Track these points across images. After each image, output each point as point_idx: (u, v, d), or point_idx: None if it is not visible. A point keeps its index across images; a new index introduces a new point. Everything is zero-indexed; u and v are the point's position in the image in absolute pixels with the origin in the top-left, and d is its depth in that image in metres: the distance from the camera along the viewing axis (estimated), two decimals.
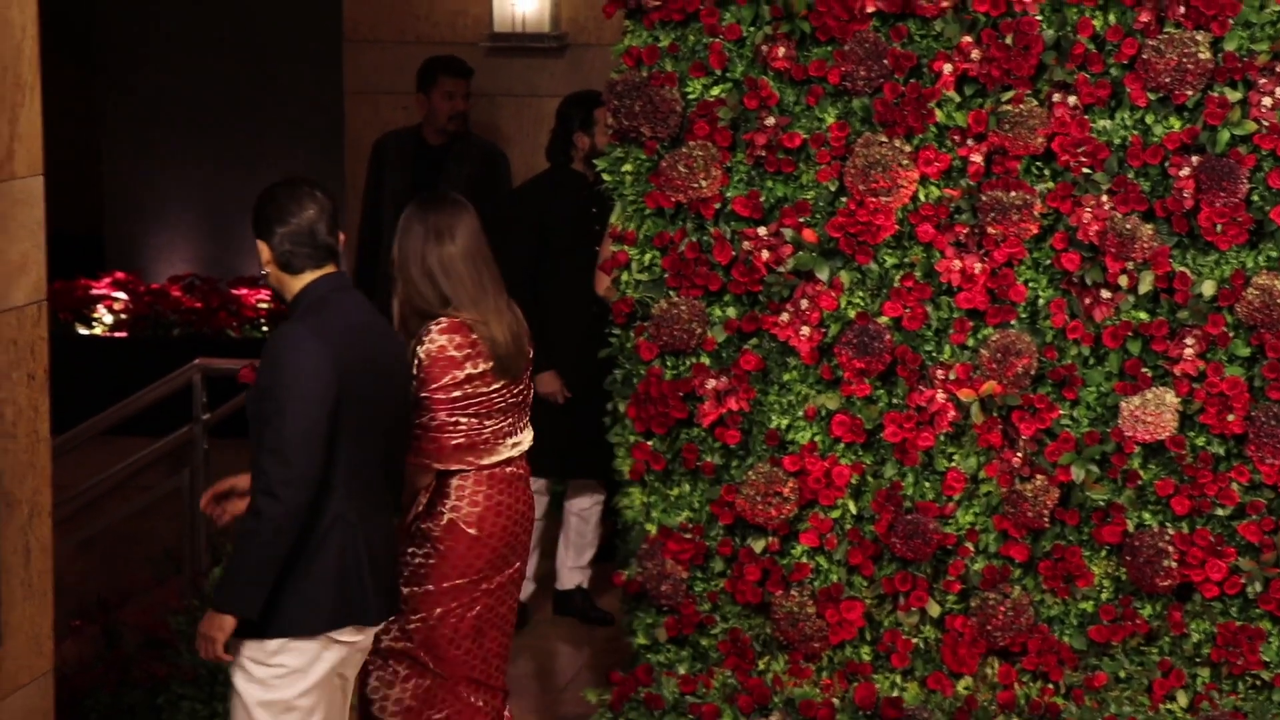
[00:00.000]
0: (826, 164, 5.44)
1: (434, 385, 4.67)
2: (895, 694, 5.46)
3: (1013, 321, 5.40)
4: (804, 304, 5.44)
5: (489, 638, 4.82)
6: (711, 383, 5.51)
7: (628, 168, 5.58)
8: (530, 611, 6.90)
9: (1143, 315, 5.36)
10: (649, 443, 5.59)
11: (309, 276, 4.32)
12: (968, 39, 5.34)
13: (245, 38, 10.48)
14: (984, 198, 5.34)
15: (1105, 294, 5.35)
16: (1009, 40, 5.32)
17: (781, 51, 5.43)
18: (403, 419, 4.53)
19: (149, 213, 10.45)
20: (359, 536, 4.29)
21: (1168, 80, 5.26)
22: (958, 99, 5.38)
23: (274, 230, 4.27)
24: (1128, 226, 5.29)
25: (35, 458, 3.98)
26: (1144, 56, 5.27)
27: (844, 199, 5.43)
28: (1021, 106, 5.32)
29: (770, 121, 5.45)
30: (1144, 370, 5.35)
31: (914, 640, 5.50)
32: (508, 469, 4.83)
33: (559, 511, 7.06)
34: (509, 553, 4.84)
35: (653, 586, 5.57)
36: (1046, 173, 5.39)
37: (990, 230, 5.35)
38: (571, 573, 6.96)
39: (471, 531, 4.76)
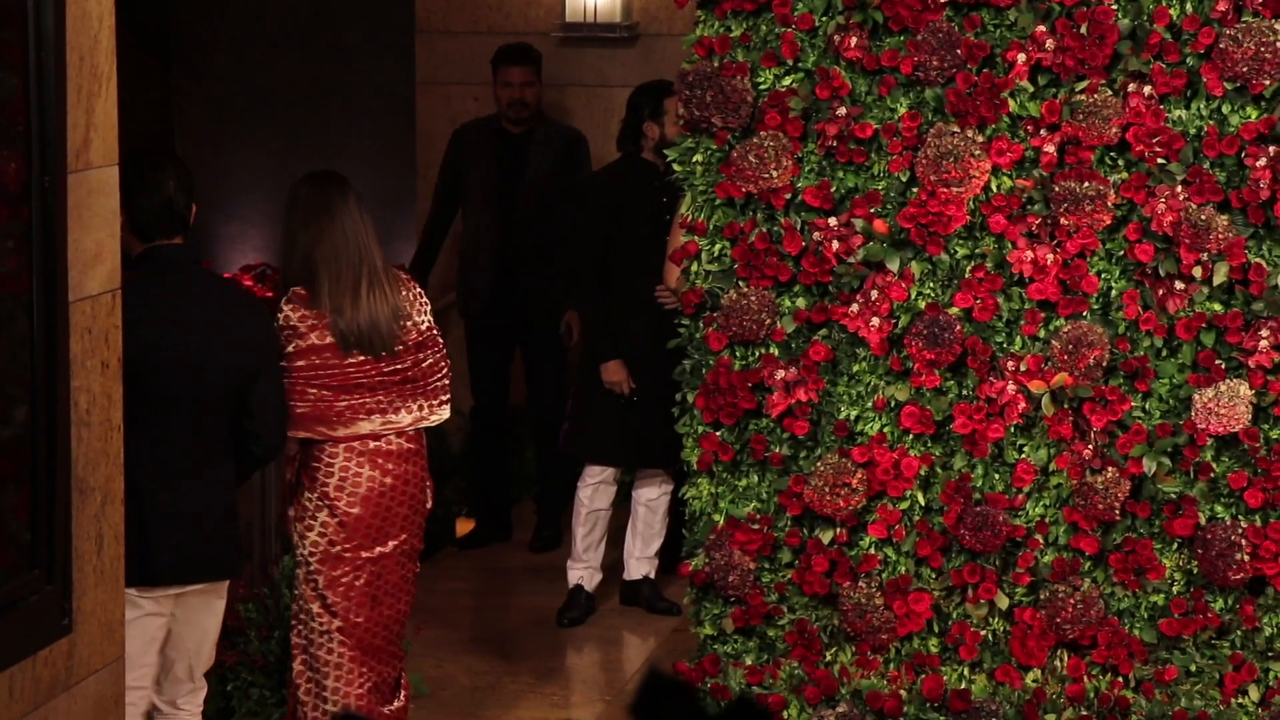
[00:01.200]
0: (898, 154, 5.40)
1: (282, 354, 4.93)
2: (963, 686, 5.42)
3: (1085, 313, 5.35)
4: (874, 295, 5.40)
5: (385, 605, 5.05)
6: (780, 373, 5.48)
7: (698, 158, 5.56)
8: (595, 601, 6.89)
9: (1217, 307, 5.30)
10: (717, 433, 5.57)
11: (158, 242, 4.71)
12: (1042, 28, 5.28)
13: (317, 28, 10.51)
14: (1057, 188, 5.29)
15: (1179, 285, 5.29)
16: (1084, 29, 5.26)
17: (854, 41, 5.39)
18: (234, 389, 4.75)
19: (221, 202, 10.50)
20: (146, 503, 4.56)
21: (1245, 70, 5.19)
22: (1031, 89, 5.33)
23: (135, 199, 4.62)
24: (1203, 217, 5.23)
25: (108, 445, 3.99)
26: (1221, 46, 5.20)
27: (915, 189, 5.39)
28: (1096, 96, 5.26)
29: (842, 111, 5.42)
30: (1218, 362, 5.29)
31: (982, 632, 5.45)
32: (375, 444, 5.01)
33: (627, 501, 7.04)
34: (383, 524, 5.03)
35: (720, 577, 5.55)
36: (1120, 163, 5.33)
37: (1063, 221, 5.29)
38: (639, 563, 6.94)
39: (339, 503, 4.99)
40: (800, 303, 5.50)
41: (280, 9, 10.52)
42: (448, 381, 5.18)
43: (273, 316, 4.94)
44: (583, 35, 8.52)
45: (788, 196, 5.48)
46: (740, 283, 5.52)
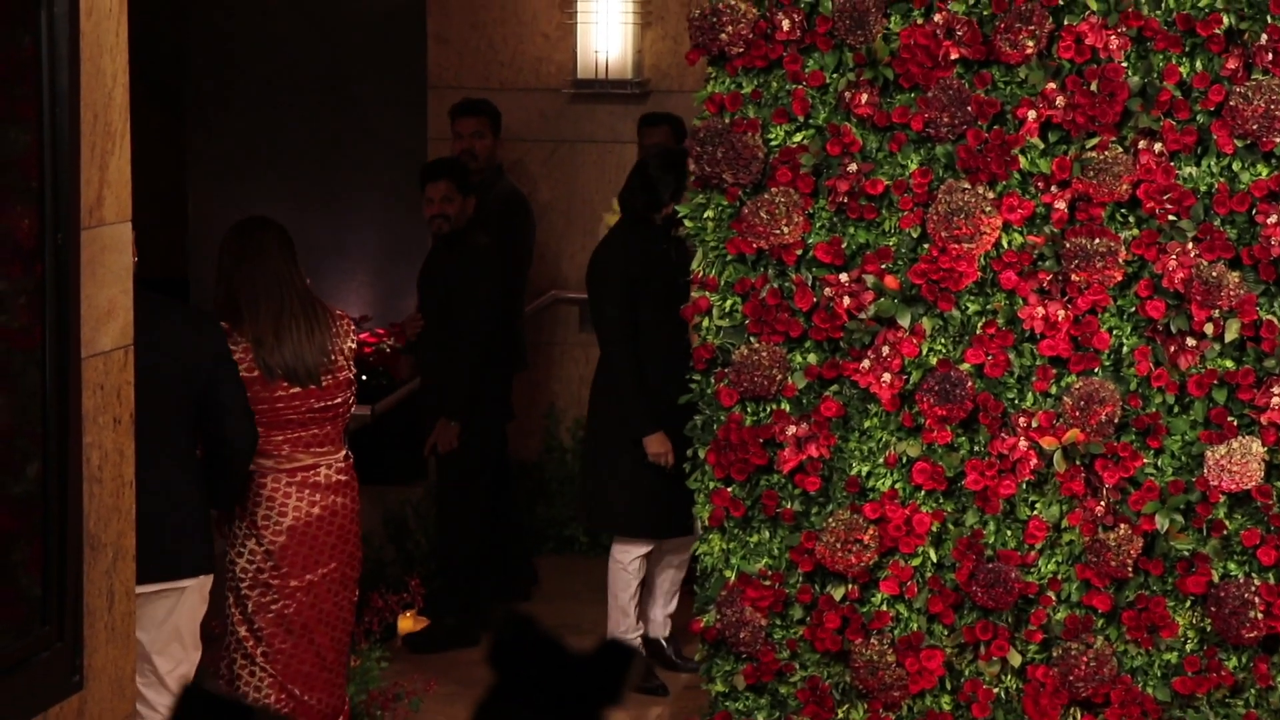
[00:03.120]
0: (909, 210, 5.39)
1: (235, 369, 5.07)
2: None
3: (1096, 369, 5.33)
4: (885, 350, 5.39)
5: (317, 633, 5.16)
6: (792, 429, 5.47)
7: (709, 214, 5.56)
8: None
9: (1228, 363, 5.28)
10: (728, 489, 5.55)
11: None
12: (1052, 85, 5.29)
13: (330, 85, 10.54)
14: (1068, 245, 5.28)
15: (1190, 342, 5.27)
16: (1094, 87, 5.26)
17: (864, 98, 5.40)
18: (187, 395, 4.86)
19: None
20: (142, 507, 4.67)
21: (1255, 127, 5.19)
22: (1041, 145, 5.33)
23: None
24: (1214, 274, 5.21)
25: (120, 501, 3.98)
26: (1231, 103, 5.20)
27: (926, 245, 5.39)
28: (1106, 153, 5.26)
29: (853, 168, 5.42)
30: (1230, 419, 5.26)
31: (995, 690, 5.42)
32: (305, 474, 5.15)
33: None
34: (311, 553, 5.14)
35: (731, 633, 5.52)
36: (1131, 220, 5.32)
37: (1074, 277, 5.28)
38: (663, 623, 6.94)
39: (265, 532, 5.11)
40: (811, 358, 5.49)
41: (293, 65, 10.56)
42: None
43: (219, 327, 5.07)
44: (594, 91, 8.54)
45: (799, 252, 5.47)
46: (751, 338, 5.51)
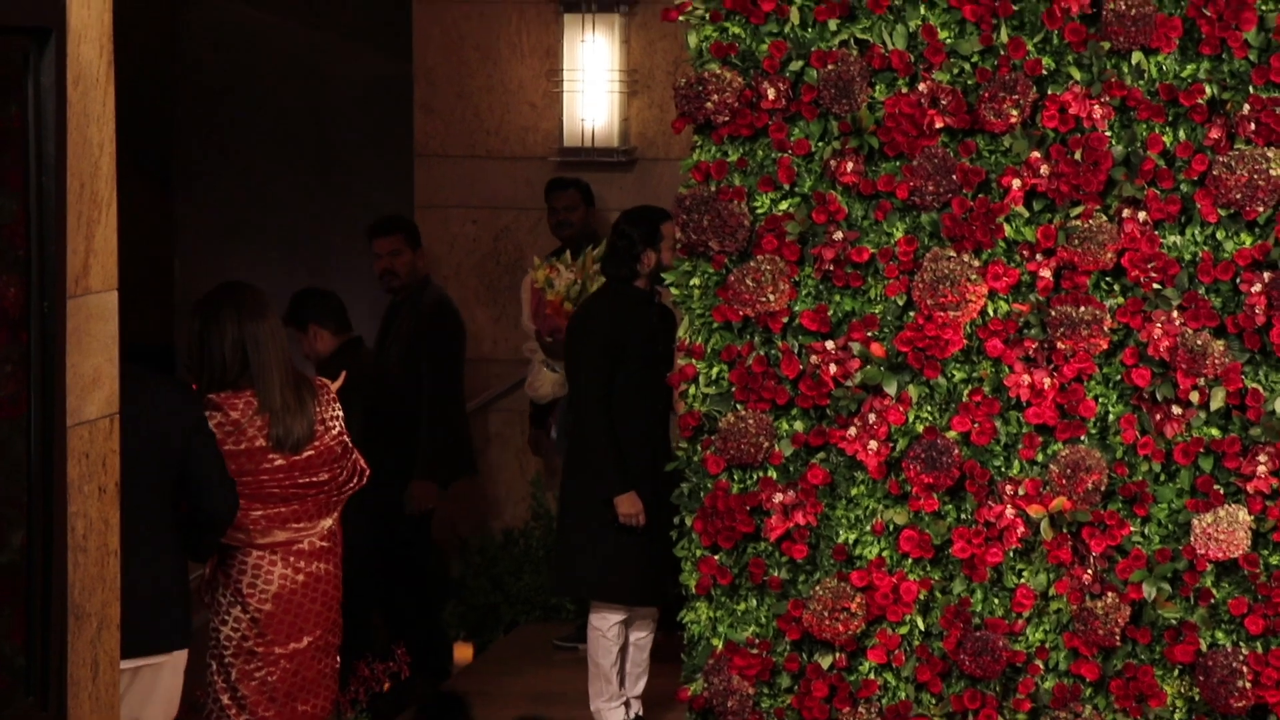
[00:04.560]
0: (895, 278, 5.39)
1: (213, 437, 5.01)
2: None
3: (1083, 437, 5.32)
4: (872, 418, 5.38)
5: (300, 700, 5.14)
6: (779, 497, 5.45)
7: (695, 281, 5.55)
8: None
9: (1214, 432, 5.27)
10: (715, 557, 5.52)
11: None
12: (1036, 154, 5.30)
13: (317, 152, 10.57)
14: (1053, 313, 5.28)
15: (1176, 410, 5.27)
16: (1078, 156, 5.28)
17: (850, 166, 5.41)
18: (162, 465, 4.83)
19: None
20: (122, 582, 4.63)
21: (1239, 196, 5.20)
22: (1026, 214, 5.34)
23: None
24: (1199, 342, 5.21)
25: (105, 570, 3.95)
26: (1215, 173, 5.22)
27: (912, 313, 5.38)
28: (1091, 222, 5.27)
29: (838, 236, 5.42)
30: (1216, 487, 5.25)
31: None
32: (295, 544, 5.12)
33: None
34: (296, 621, 5.12)
35: (719, 702, 5.48)
36: (1116, 288, 5.33)
37: (1060, 345, 5.28)
38: (635, 701, 6.86)
39: (251, 600, 5.07)
40: (798, 426, 5.48)
41: (281, 133, 10.59)
42: (356, 487, 5.30)
43: (195, 398, 5.01)
44: (581, 160, 8.57)
45: (785, 320, 5.47)
46: (738, 406, 5.50)
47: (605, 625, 6.71)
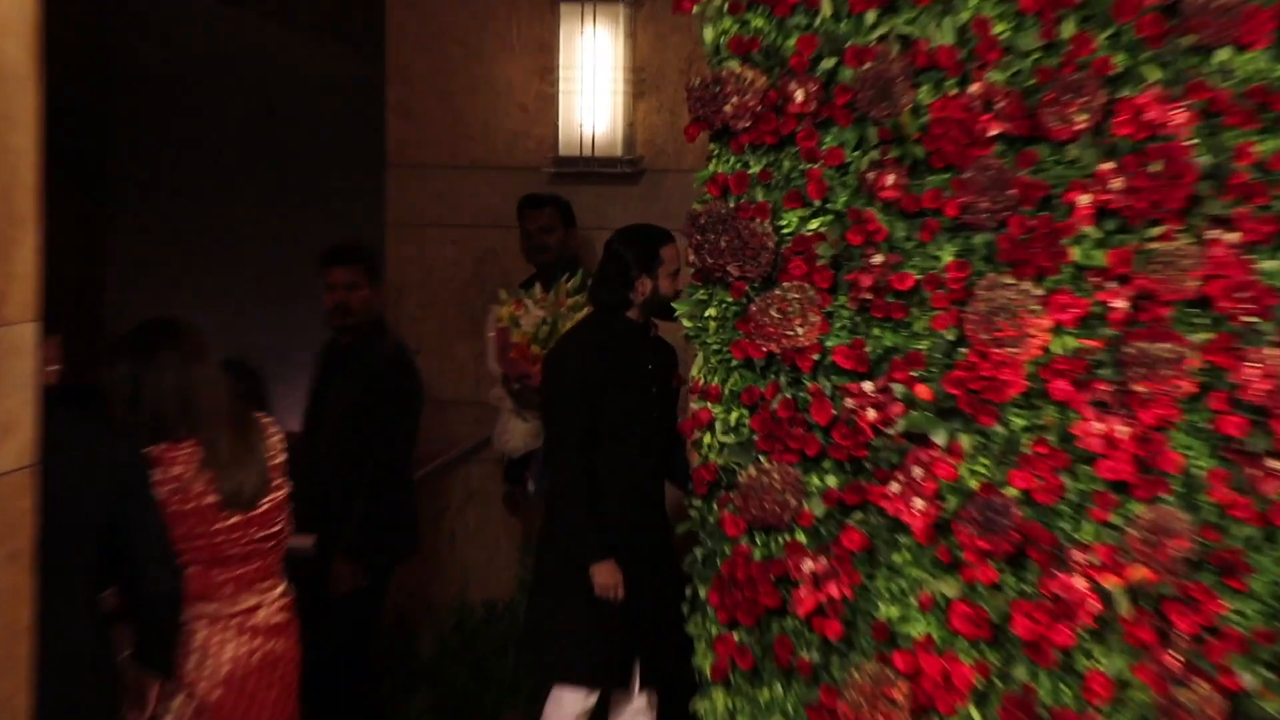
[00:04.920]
0: (943, 309, 5.40)
1: (150, 498, 5.02)
2: None
3: (1165, 495, 5.32)
4: (917, 472, 5.38)
5: None
6: (808, 564, 5.45)
7: (711, 312, 5.57)
8: None
9: None
10: (734, 635, 5.52)
11: None
12: (1108, 165, 5.31)
13: (274, 164, 10.60)
14: (1129, 350, 5.29)
15: (1275, 464, 5.27)
16: (1156, 167, 5.29)
17: (891, 179, 5.42)
18: (87, 531, 4.83)
19: None
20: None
21: None
22: (1097, 235, 5.35)
23: None
24: None
25: (15, 650, 3.95)
26: None
27: (964, 350, 5.39)
28: (1172, 244, 5.28)
29: (877, 260, 5.43)
30: None
31: None
32: (251, 618, 5.15)
33: None
34: (250, 710, 5.15)
35: None
36: (1202, 321, 5.33)
37: (1137, 388, 5.29)
38: None
39: (198, 686, 5.08)
40: (831, 481, 5.48)
41: (233, 141, 10.62)
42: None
43: (137, 453, 5.02)
44: (579, 171, 8.59)
45: (815, 357, 5.48)
46: (761, 457, 5.50)
47: (560, 714, 6.68)
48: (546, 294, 7.47)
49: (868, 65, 5.42)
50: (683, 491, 7.05)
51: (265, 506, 5.17)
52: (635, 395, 6.66)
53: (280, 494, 5.23)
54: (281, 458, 5.26)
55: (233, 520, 5.12)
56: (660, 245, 6.73)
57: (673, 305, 6.66)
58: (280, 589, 5.26)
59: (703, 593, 5.57)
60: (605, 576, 6.59)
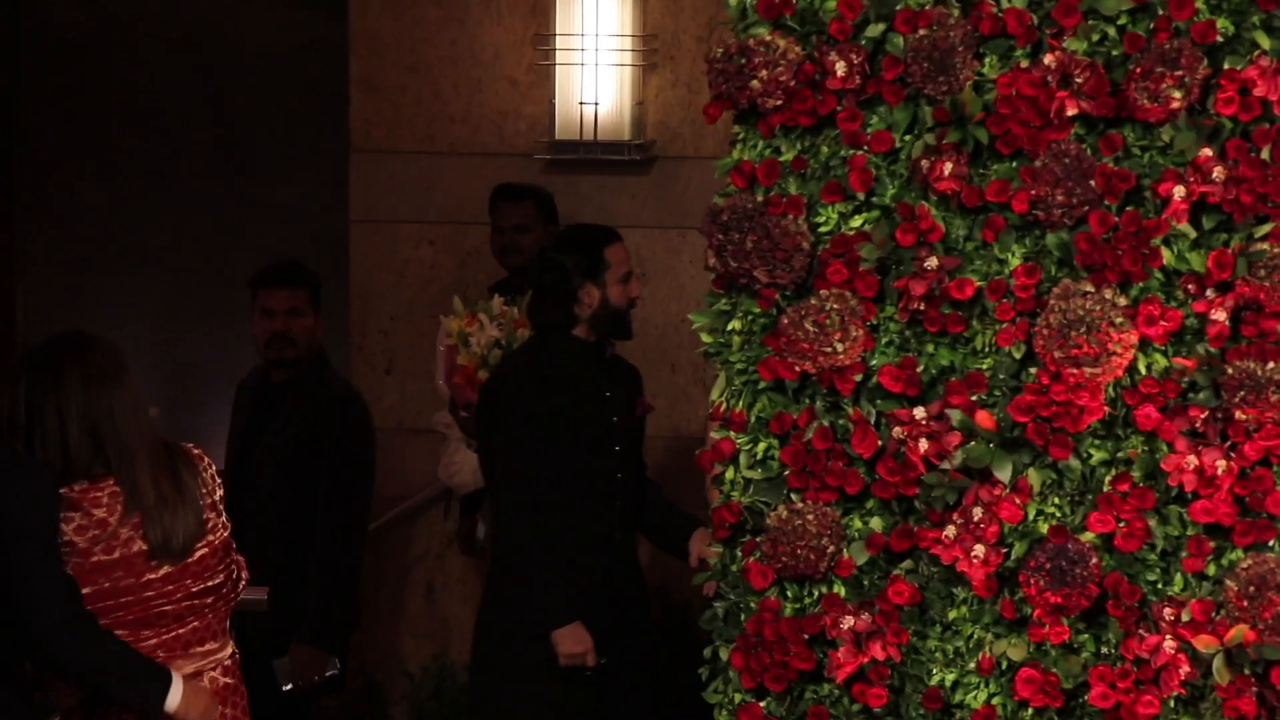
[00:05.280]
0: (1009, 322, 5.39)
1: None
2: None
3: (1271, 543, 5.31)
4: (977, 514, 5.38)
5: None
6: (848, 621, 5.44)
7: (735, 325, 5.56)
8: None
9: None
10: (761, 704, 5.52)
11: None
12: (1207, 152, 5.31)
13: (218, 149, 10.60)
14: (1230, 370, 5.28)
15: None
16: (1265, 154, 5.28)
17: (948, 168, 5.41)
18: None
19: None
20: None
21: None
22: (1193, 234, 5.34)
23: None
24: None
25: None
26: None
27: (1033, 370, 5.38)
28: None
29: (932, 263, 5.42)
30: None
31: None
32: (201, 681, 5.13)
33: None
34: None
35: None
36: None
37: (1239, 415, 5.28)
38: None
39: None
40: (875, 524, 5.47)
41: (168, 122, 10.61)
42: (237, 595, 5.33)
43: (46, 487, 4.98)
44: (579, 157, 8.59)
45: (858, 378, 5.47)
46: (793, 496, 5.49)
47: None
48: (511, 306, 7.41)
49: (922, 32, 5.41)
50: (659, 546, 7.03)
51: (200, 553, 5.15)
52: (592, 429, 6.62)
53: (218, 538, 5.19)
54: (218, 493, 5.23)
55: (164, 572, 5.10)
56: (604, 246, 6.70)
57: (626, 319, 6.66)
58: (225, 651, 5.23)
59: (724, 654, 5.56)
60: (571, 644, 6.56)
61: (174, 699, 5.03)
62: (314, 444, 7.49)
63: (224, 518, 5.24)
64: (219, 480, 5.26)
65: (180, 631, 5.15)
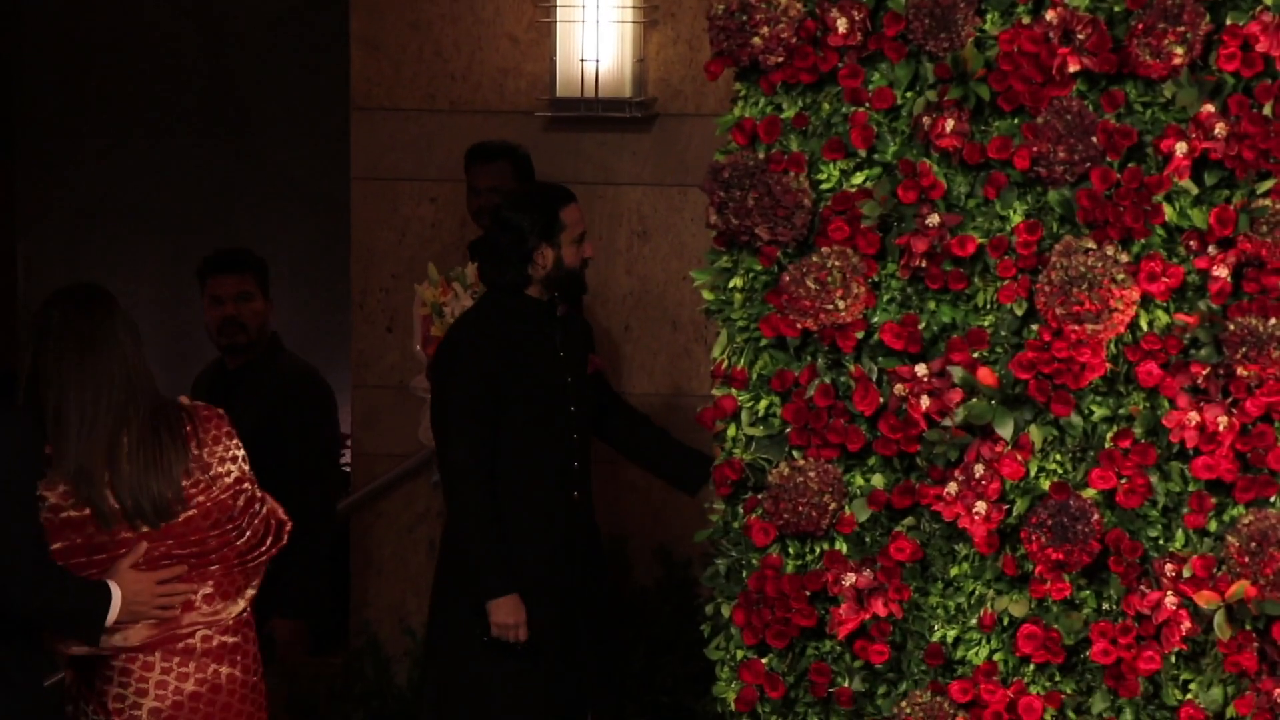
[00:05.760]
0: (1011, 279, 5.40)
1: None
2: None
3: (1273, 499, 5.32)
4: (979, 471, 5.39)
5: None
6: (850, 578, 5.45)
7: (736, 282, 5.57)
8: None
9: None
10: (763, 660, 5.53)
11: None
12: (1209, 108, 5.30)
13: (217, 107, 10.59)
14: (1232, 326, 5.29)
15: None
16: (1267, 110, 5.28)
17: (950, 125, 5.41)
18: None
19: None
20: None
21: None
22: (1195, 190, 5.34)
23: None
24: None
25: None
26: None
27: (1035, 327, 5.39)
28: None
29: (934, 220, 5.43)
30: None
31: None
32: (183, 642, 5.14)
33: None
34: None
35: None
36: None
37: (1240, 372, 5.28)
38: None
39: (120, 716, 5.08)
40: (877, 480, 5.48)
41: (166, 82, 10.60)
42: (271, 552, 5.34)
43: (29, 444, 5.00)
44: (580, 115, 8.57)
45: (859, 335, 5.47)
46: (794, 453, 5.50)
47: None
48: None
49: None
50: (657, 474, 7.03)
51: (188, 515, 5.14)
52: (545, 389, 6.60)
53: (211, 499, 5.18)
54: (229, 456, 5.22)
55: (143, 531, 5.12)
56: (560, 207, 6.70)
57: (581, 279, 6.64)
58: (230, 611, 5.23)
59: (726, 611, 5.57)
60: (504, 614, 6.53)
61: (114, 610, 5.05)
62: (275, 425, 7.50)
63: (237, 480, 5.23)
64: (233, 440, 5.26)
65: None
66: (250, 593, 5.28)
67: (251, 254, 7.75)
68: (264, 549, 5.29)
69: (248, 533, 5.26)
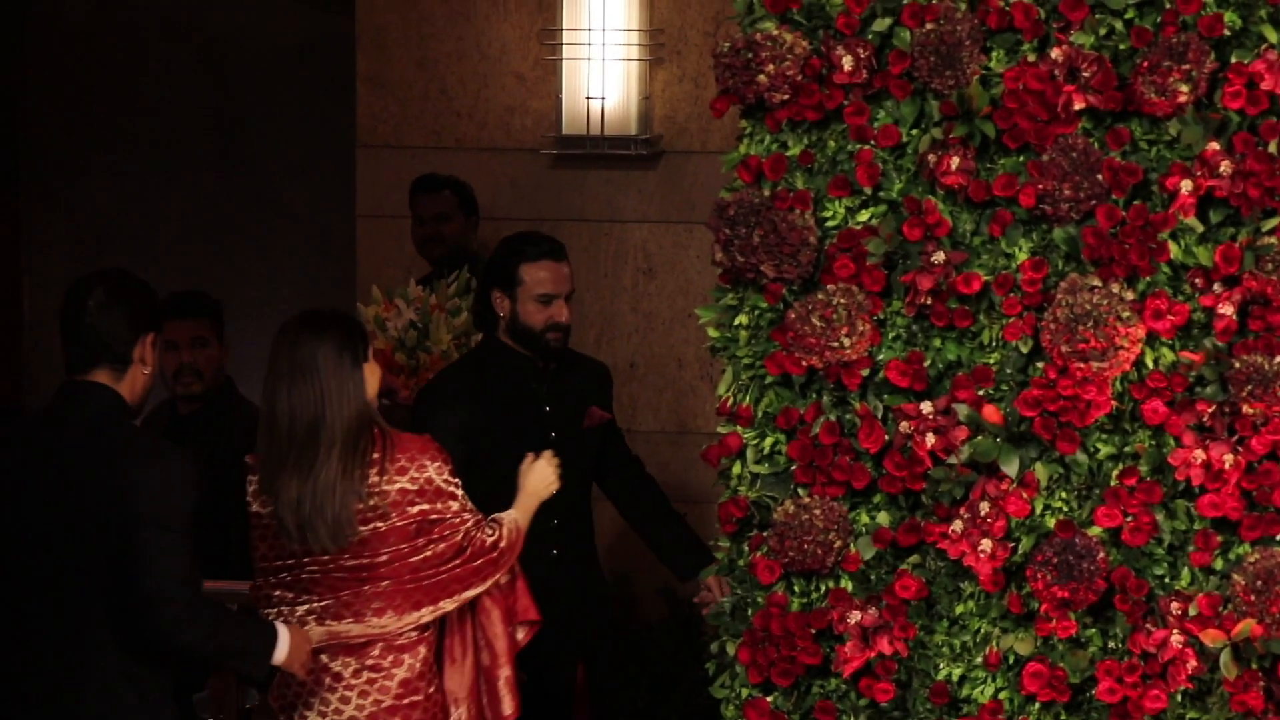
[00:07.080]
0: (1016, 316, 5.40)
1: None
2: None
3: (1278, 537, 5.31)
4: (984, 508, 5.38)
5: None
6: (855, 616, 5.45)
7: (742, 320, 5.57)
8: None
9: None
10: (768, 699, 5.53)
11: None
12: (1214, 146, 5.31)
13: (224, 143, 10.60)
14: (1237, 364, 5.29)
15: None
16: (1272, 148, 5.29)
17: (955, 163, 5.42)
18: (104, 563, 4.86)
19: None
20: None
21: None
22: (1200, 228, 5.35)
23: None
24: None
25: None
26: None
27: (1040, 364, 5.39)
28: None
29: (939, 258, 5.43)
30: None
31: None
32: (371, 656, 5.33)
33: None
34: None
35: None
36: None
37: (1246, 410, 5.28)
38: None
39: None
40: (882, 518, 5.48)
41: (172, 115, 10.61)
42: (451, 572, 5.42)
43: (173, 465, 5.06)
44: (585, 152, 8.59)
45: (864, 373, 5.48)
46: (800, 490, 5.50)
47: None
48: (426, 292, 7.31)
49: (929, 26, 5.42)
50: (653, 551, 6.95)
51: (364, 536, 5.35)
52: (524, 443, 6.17)
53: (389, 526, 5.37)
54: (420, 479, 5.41)
55: (300, 545, 5.34)
56: (521, 262, 6.38)
57: (542, 341, 6.36)
58: (403, 624, 5.37)
59: (731, 649, 5.57)
60: None
61: (281, 653, 5.16)
62: (230, 472, 7.46)
63: (421, 511, 5.37)
64: (435, 469, 5.39)
65: (329, 602, 5.32)
66: (428, 609, 5.40)
67: (208, 297, 7.65)
68: (455, 564, 5.41)
69: (426, 552, 5.36)
